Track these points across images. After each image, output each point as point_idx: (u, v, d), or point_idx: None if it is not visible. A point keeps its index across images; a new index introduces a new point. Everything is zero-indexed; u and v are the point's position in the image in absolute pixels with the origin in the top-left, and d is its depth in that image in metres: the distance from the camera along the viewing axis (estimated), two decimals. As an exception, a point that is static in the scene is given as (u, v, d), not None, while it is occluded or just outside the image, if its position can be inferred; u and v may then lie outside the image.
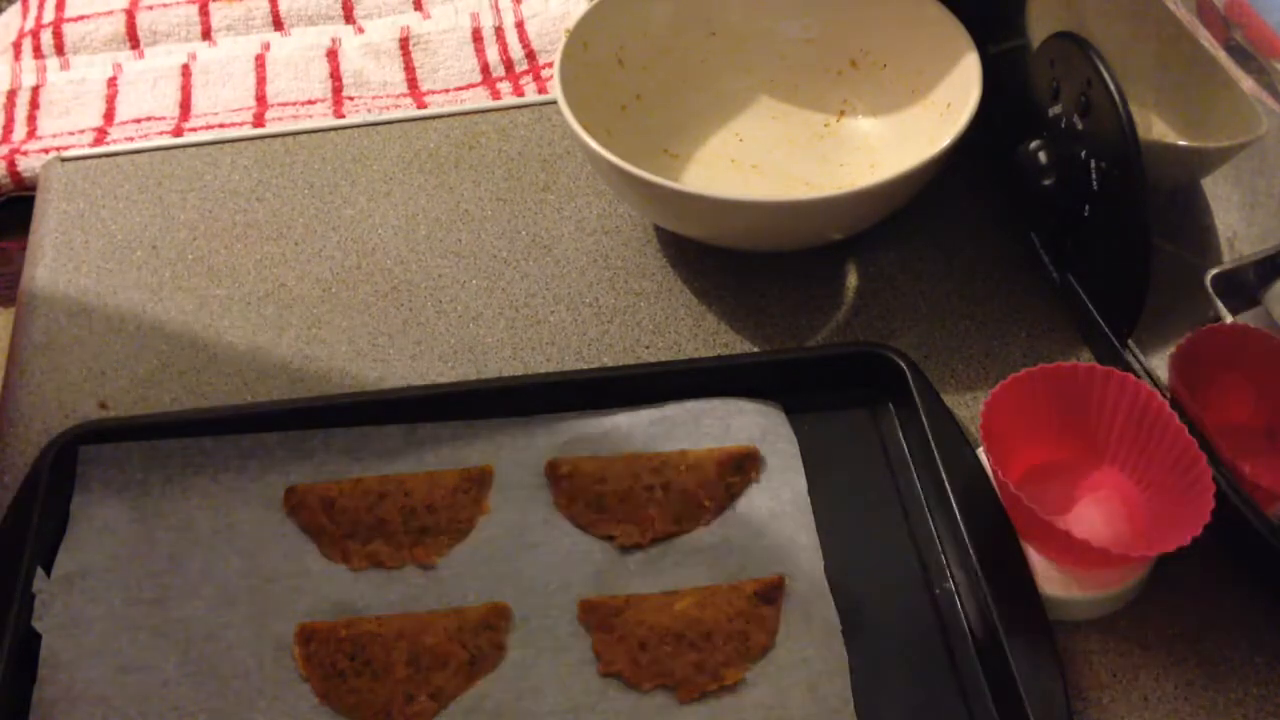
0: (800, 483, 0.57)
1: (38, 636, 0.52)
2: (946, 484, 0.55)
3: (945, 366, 0.63)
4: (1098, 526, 0.54)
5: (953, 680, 0.51)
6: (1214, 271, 0.52)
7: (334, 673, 0.51)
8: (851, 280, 0.69)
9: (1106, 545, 0.50)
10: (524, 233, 0.72)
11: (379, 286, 0.69)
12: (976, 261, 0.69)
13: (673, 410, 0.60)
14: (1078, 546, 0.50)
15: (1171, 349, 0.54)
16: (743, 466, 0.58)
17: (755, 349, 0.65)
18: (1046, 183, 0.60)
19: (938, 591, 0.54)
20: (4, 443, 0.61)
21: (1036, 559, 0.53)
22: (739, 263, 0.69)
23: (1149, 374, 0.57)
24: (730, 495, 0.57)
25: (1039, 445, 0.56)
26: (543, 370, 0.64)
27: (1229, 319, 0.51)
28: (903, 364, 0.60)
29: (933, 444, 0.56)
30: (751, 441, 0.58)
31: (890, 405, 0.61)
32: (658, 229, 0.71)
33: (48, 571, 0.54)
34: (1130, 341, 0.58)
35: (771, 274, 0.68)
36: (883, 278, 0.68)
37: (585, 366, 0.64)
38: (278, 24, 0.92)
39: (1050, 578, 0.53)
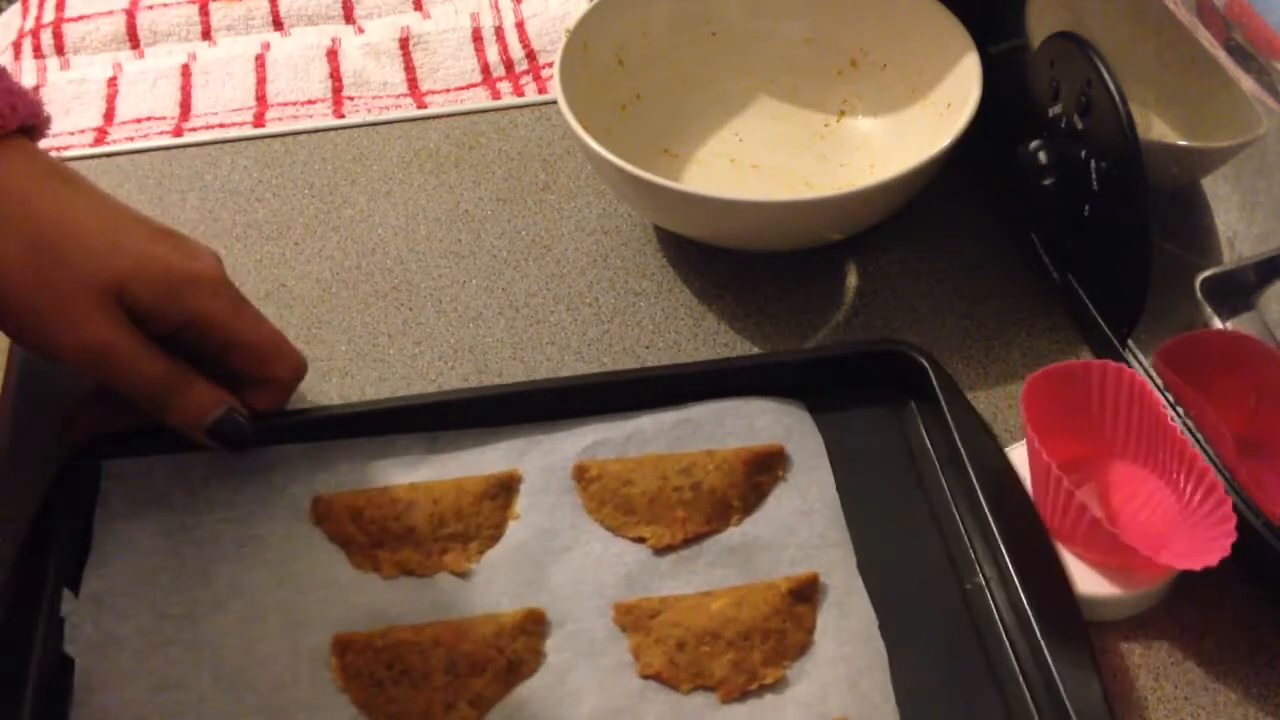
0: (828, 480, 0.57)
1: (65, 660, 0.51)
2: (973, 477, 0.55)
3: (945, 366, 0.63)
4: (1123, 525, 0.54)
5: (988, 673, 0.51)
6: (1203, 275, 0.52)
7: (372, 682, 0.51)
8: (851, 280, 0.69)
9: (1152, 552, 0.50)
10: (524, 233, 0.72)
11: (379, 286, 0.69)
12: (976, 261, 0.69)
13: (695, 411, 0.59)
14: (1122, 549, 0.50)
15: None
16: (770, 465, 0.58)
17: (755, 349, 0.65)
18: (1046, 183, 0.60)
19: (968, 586, 0.54)
20: (12, 454, 0.61)
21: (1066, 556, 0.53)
22: (739, 263, 0.69)
23: (1149, 374, 0.57)
24: (759, 494, 0.57)
25: (1062, 441, 0.56)
26: (542, 369, 0.64)
27: (1218, 324, 0.51)
28: (924, 361, 0.60)
29: (958, 439, 0.57)
30: (776, 440, 0.58)
31: (911, 401, 0.61)
32: (658, 229, 0.71)
33: (74, 592, 0.53)
34: (1130, 342, 0.58)
35: (771, 274, 0.68)
36: (883, 278, 0.68)
37: (590, 370, 0.64)
38: (278, 24, 0.92)
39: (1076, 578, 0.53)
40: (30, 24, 0.91)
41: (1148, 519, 0.55)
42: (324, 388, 0.64)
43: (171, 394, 0.55)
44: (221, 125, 0.81)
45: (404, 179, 0.75)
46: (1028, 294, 0.67)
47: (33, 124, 0.56)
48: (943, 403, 0.58)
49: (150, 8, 0.91)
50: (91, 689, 0.50)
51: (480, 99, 0.83)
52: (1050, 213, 0.62)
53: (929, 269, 0.68)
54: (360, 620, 0.53)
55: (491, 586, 0.54)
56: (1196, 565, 0.49)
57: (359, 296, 0.68)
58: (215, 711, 0.50)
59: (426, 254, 0.71)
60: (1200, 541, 0.51)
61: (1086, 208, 0.59)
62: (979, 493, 0.55)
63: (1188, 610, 0.54)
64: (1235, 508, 0.50)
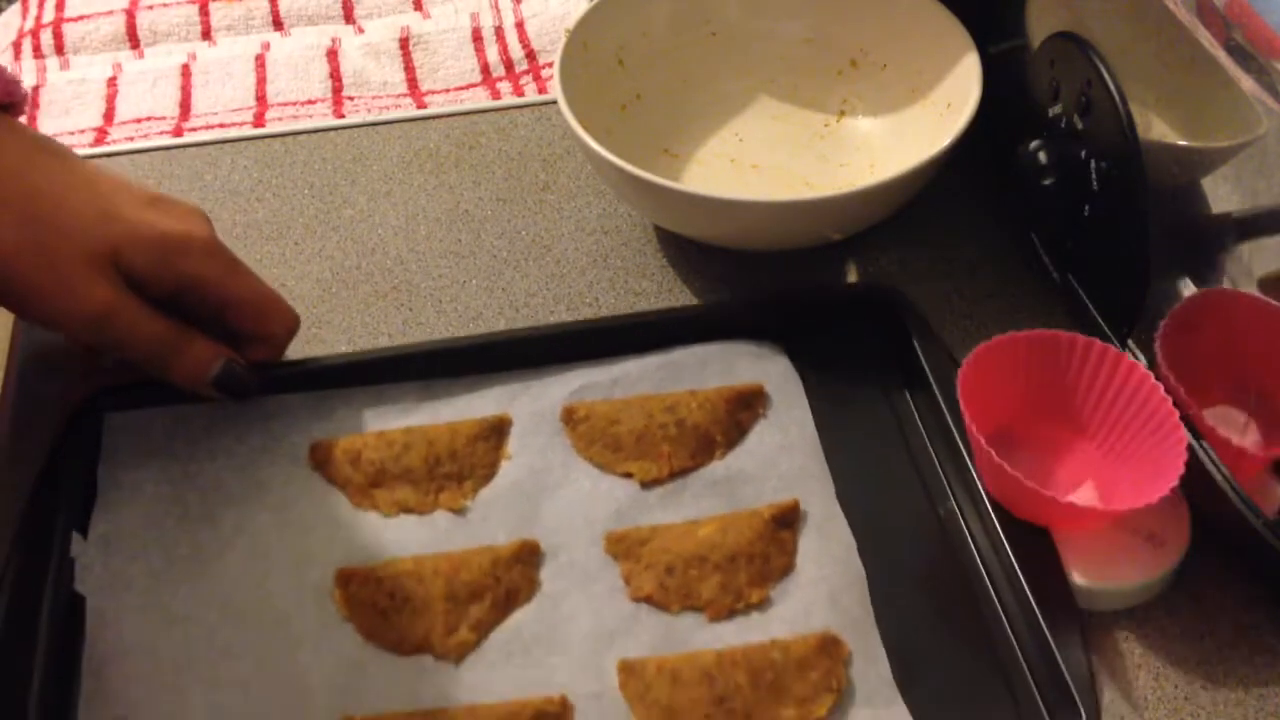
0: (806, 416, 0.60)
1: (77, 598, 0.53)
2: (945, 410, 0.58)
3: (944, 366, 0.63)
4: (1065, 491, 0.55)
5: (962, 586, 0.54)
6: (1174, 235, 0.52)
7: (375, 611, 0.53)
8: (851, 280, 0.68)
9: (1066, 498, 0.52)
10: (524, 233, 0.72)
11: (379, 286, 0.69)
12: (976, 261, 0.69)
13: (679, 355, 0.62)
14: (1043, 501, 0.52)
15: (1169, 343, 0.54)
16: (751, 403, 0.60)
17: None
18: (1046, 183, 0.60)
19: (942, 511, 0.57)
20: (13, 454, 0.61)
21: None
22: (739, 263, 0.69)
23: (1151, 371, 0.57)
24: (741, 430, 0.60)
25: (1014, 411, 0.57)
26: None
27: (1190, 286, 0.52)
28: (897, 300, 0.63)
29: (930, 376, 0.60)
30: (756, 380, 0.61)
31: (886, 340, 0.63)
32: (658, 229, 0.71)
33: (84, 535, 0.55)
34: (1130, 341, 0.58)
35: (771, 274, 0.68)
36: (883, 277, 0.68)
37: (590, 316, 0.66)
38: (278, 24, 0.92)
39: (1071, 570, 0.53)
40: (30, 24, 0.91)
41: (1097, 488, 0.56)
42: (324, 388, 0.64)
43: (173, 352, 0.57)
44: (221, 125, 0.81)
45: (404, 179, 0.75)
46: (1028, 294, 0.67)
47: (10, 101, 0.57)
48: (914, 340, 0.61)
49: (150, 8, 0.91)
50: (104, 624, 0.53)
51: (480, 99, 0.83)
52: (1050, 213, 0.62)
53: (929, 269, 0.68)
54: (361, 556, 0.55)
55: (487, 522, 0.56)
56: (1142, 501, 0.50)
57: (359, 296, 0.68)
58: (224, 643, 0.52)
59: (426, 254, 0.71)
60: (1152, 478, 0.51)
61: (1086, 208, 0.59)
62: (950, 424, 0.57)
63: (1188, 610, 0.54)
64: (1233, 503, 0.50)
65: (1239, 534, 0.51)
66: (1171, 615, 0.54)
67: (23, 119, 0.59)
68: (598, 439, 0.59)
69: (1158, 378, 0.53)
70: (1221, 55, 0.48)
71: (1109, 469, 0.56)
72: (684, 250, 0.70)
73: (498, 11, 0.90)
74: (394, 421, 0.60)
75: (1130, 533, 0.53)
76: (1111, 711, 0.51)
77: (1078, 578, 0.53)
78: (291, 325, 0.61)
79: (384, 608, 0.53)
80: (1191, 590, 0.54)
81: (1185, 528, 0.54)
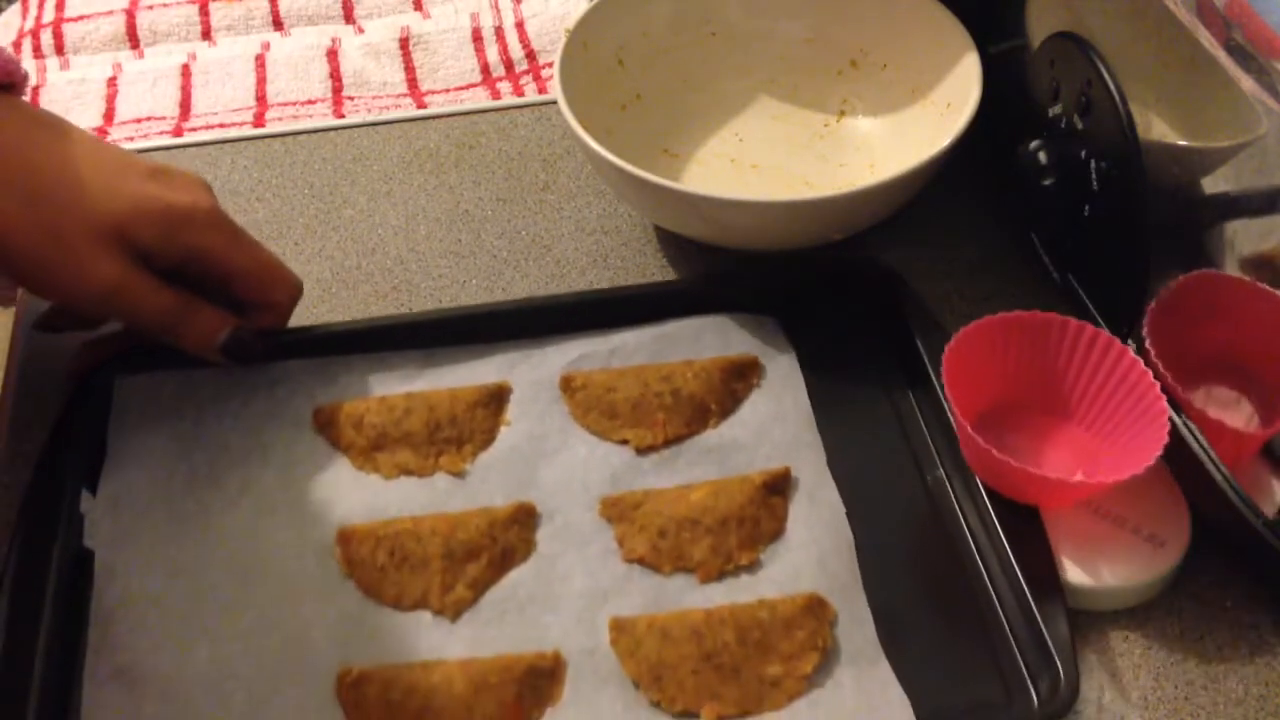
0: (799, 386, 0.61)
1: (86, 552, 0.55)
2: (934, 379, 0.59)
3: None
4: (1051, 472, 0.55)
5: (946, 552, 0.56)
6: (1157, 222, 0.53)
7: (375, 568, 0.54)
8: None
9: (1045, 472, 0.52)
10: (524, 233, 0.72)
11: (379, 286, 0.69)
12: (976, 261, 0.69)
13: (675, 327, 0.63)
14: (1023, 476, 0.52)
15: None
16: (745, 374, 0.61)
17: (755, 349, 0.65)
18: (1046, 183, 0.60)
19: (929, 479, 0.58)
20: (12, 454, 0.61)
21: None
22: (739, 263, 0.69)
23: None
24: (735, 400, 0.61)
25: (1000, 392, 0.57)
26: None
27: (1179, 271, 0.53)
28: (889, 274, 0.64)
29: (920, 346, 0.60)
30: (751, 351, 0.62)
31: (878, 312, 0.64)
32: (658, 229, 0.71)
33: (93, 493, 0.57)
34: (1130, 341, 0.58)
35: (771, 274, 0.68)
36: (883, 278, 0.68)
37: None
38: (278, 24, 0.92)
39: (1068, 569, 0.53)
40: (30, 24, 0.91)
41: (1090, 459, 0.56)
42: (324, 388, 0.64)
43: (181, 322, 0.58)
44: (221, 125, 0.81)
45: (404, 179, 0.75)
46: (1028, 294, 0.66)
47: (10, 82, 0.57)
48: (907, 314, 0.62)
49: (150, 8, 0.91)
50: (111, 578, 0.54)
51: (480, 99, 0.83)
52: (1050, 213, 0.62)
53: (929, 269, 0.68)
54: (362, 516, 0.57)
55: (485, 485, 0.58)
56: (1124, 475, 0.50)
57: (359, 296, 0.68)
58: (228, 598, 0.54)
59: (426, 254, 0.71)
60: (1137, 455, 0.52)
61: (1086, 208, 0.59)
62: (939, 395, 0.58)
63: (1188, 610, 0.54)
64: (1233, 503, 0.50)
65: (1239, 534, 0.51)
66: (1171, 615, 0.54)
67: (25, 99, 0.59)
68: (594, 406, 0.60)
69: (1146, 362, 0.53)
70: (1221, 55, 0.48)
71: (1095, 450, 0.56)
72: (684, 250, 0.70)
73: (498, 11, 0.90)
74: (396, 387, 0.61)
75: (1130, 533, 0.54)
76: (1112, 711, 0.51)
77: (1078, 578, 0.53)
78: (295, 292, 0.62)
79: (383, 565, 0.54)
80: (1191, 590, 0.54)
81: (1185, 528, 0.54)
